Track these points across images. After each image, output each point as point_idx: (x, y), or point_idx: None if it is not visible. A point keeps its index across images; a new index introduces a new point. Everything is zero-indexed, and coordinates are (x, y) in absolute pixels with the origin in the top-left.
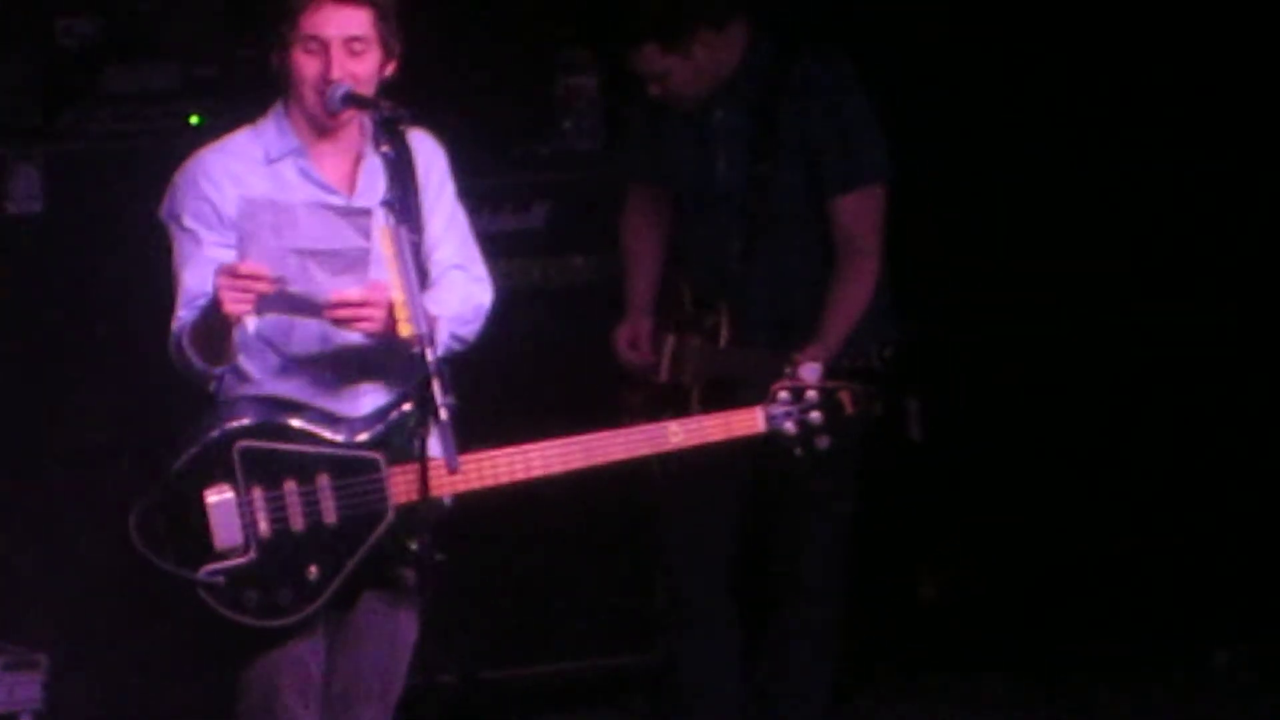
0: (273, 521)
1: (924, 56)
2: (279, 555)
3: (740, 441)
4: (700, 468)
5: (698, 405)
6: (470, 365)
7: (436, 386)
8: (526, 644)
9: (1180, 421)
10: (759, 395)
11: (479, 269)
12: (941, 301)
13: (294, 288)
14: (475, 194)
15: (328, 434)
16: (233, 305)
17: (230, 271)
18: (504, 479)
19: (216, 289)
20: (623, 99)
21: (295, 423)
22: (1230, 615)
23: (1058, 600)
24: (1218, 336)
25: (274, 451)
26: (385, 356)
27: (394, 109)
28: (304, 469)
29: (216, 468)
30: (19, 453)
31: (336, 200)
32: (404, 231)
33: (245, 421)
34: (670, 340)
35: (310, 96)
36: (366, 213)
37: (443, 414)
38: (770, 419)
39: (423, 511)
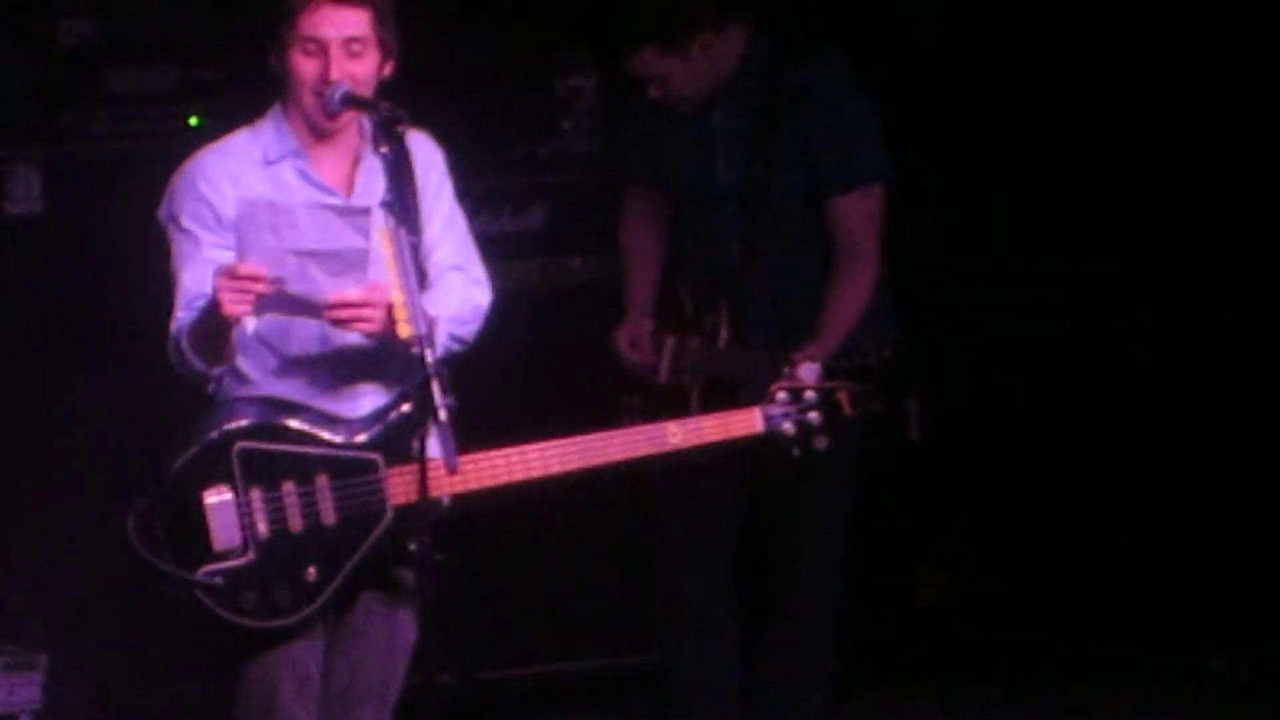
0: (271, 522)
1: (924, 57)
2: (278, 556)
3: (739, 442)
4: (699, 467)
5: (697, 406)
6: (469, 366)
7: (435, 387)
8: (525, 644)
9: (1180, 422)
10: (758, 396)
11: (477, 270)
12: (941, 301)
13: (293, 288)
14: (474, 195)
15: (326, 435)
16: (232, 306)
17: (229, 272)
18: (503, 480)
19: (216, 290)
20: (621, 100)
21: (294, 424)
22: (1229, 617)
23: (1057, 601)
24: (1218, 336)
25: (273, 452)
26: (384, 357)
27: (393, 110)
28: (303, 470)
29: (215, 469)
30: (18, 453)
31: (335, 201)
32: (403, 232)
33: (244, 423)
34: (670, 341)
35: (309, 98)
36: (366, 213)
37: (442, 415)
38: (768, 419)
39: (421, 512)
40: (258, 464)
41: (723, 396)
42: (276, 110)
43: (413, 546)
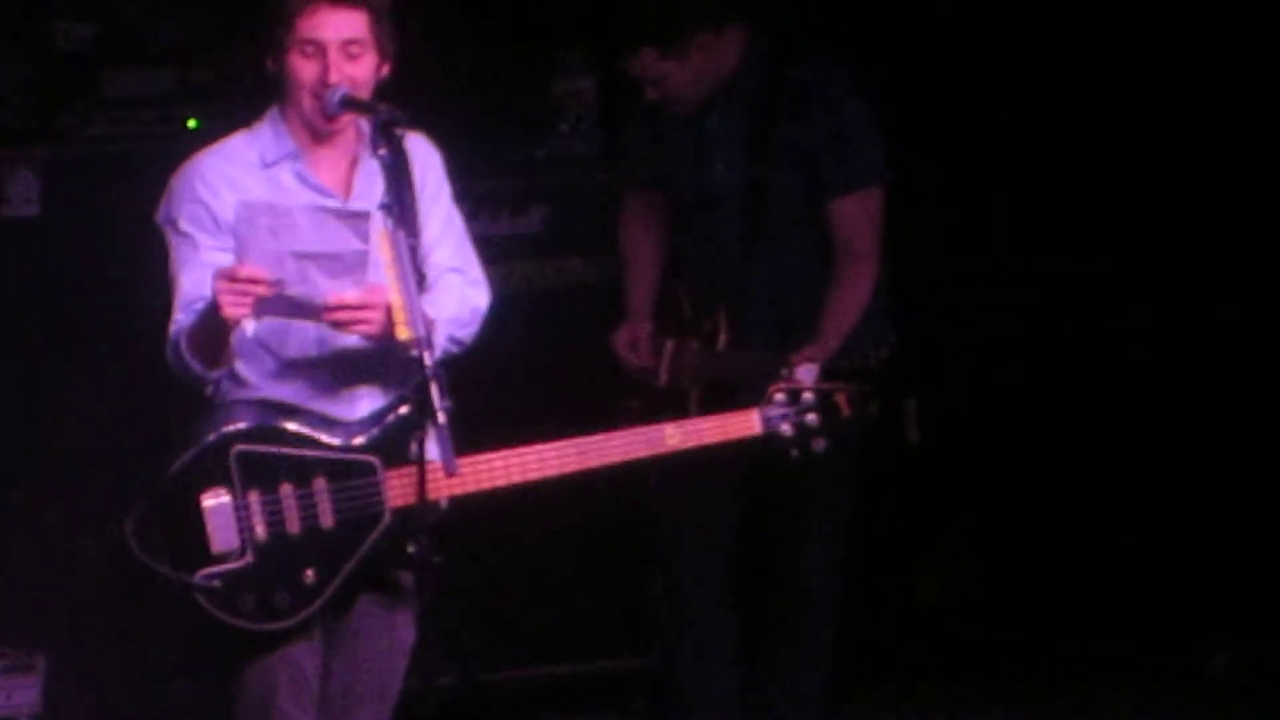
0: (269, 525)
1: (924, 57)
2: (276, 559)
3: (738, 443)
4: (699, 468)
5: (696, 408)
6: (468, 368)
7: (434, 389)
8: (524, 646)
9: (1179, 422)
10: (757, 398)
11: (475, 272)
12: (941, 302)
13: (292, 290)
14: (473, 197)
15: (324, 437)
16: (231, 308)
17: (229, 275)
18: (501, 482)
19: (215, 292)
20: (620, 102)
21: (292, 426)
22: (1229, 617)
23: (1057, 601)
24: (1218, 336)
25: (270, 455)
26: (382, 359)
27: (391, 112)
28: (301, 472)
29: (213, 471)
30: (16, 456)
31: (333, 203)
32: (401, 234)
33: (242, 425)
34: (669, 344)
35: (308, 101)
36: (365, 215)
37: (440, 417)
38: (766, 421)
39: (419, 514)
40: (255, 467)
41: (722, 398)
42: (274, 113)
43: (411, 549)
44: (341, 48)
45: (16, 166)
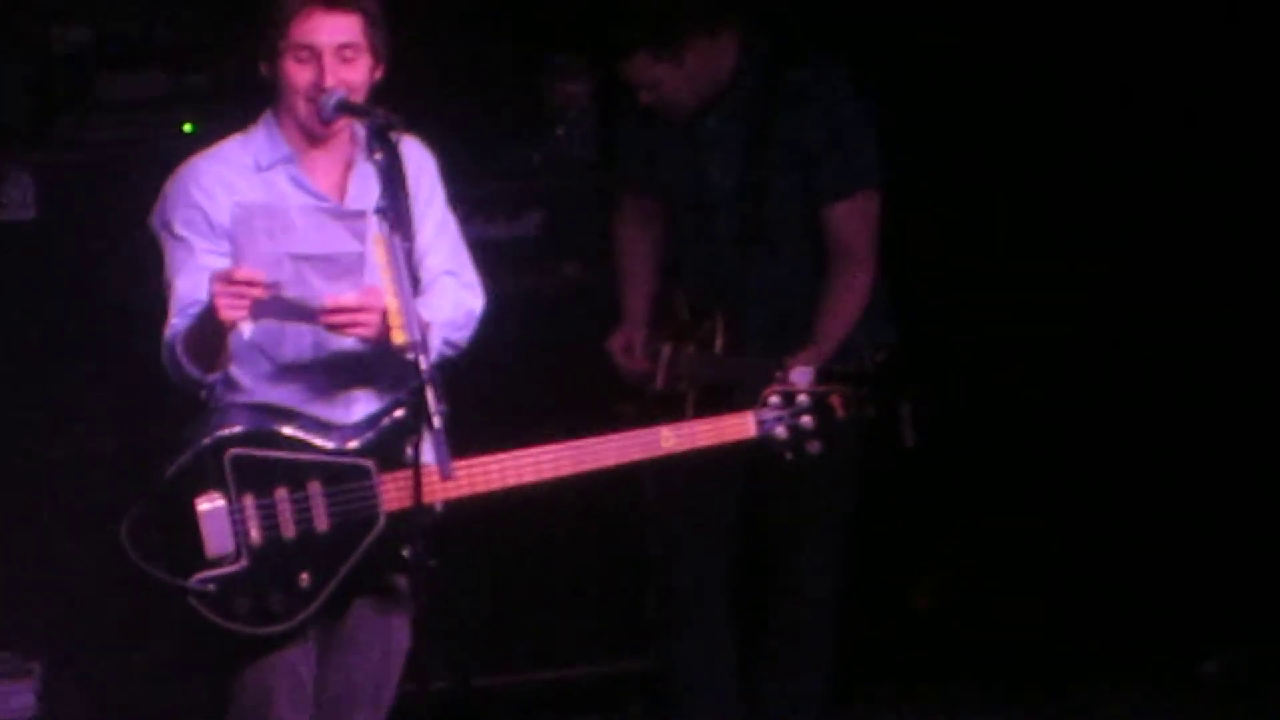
0: (264, 529)
1: (924, 58)
2: (270, 563)
3: (734, 445)
4: (696, 469)
5: (693, 412)
6: (463, 371)
7: (429, 393)
8: (520, 650)
9: (1179, 422)
10: (752, 400)
11: (470, 275)
12: (940, 302)
13: (289, 293)
14: (468, 201)
15: (319, 441)
16: (228, 311)
17: (225, 277)
18: (496, 485)
19: (212, 294)
20: (616, 106)
21: (287, 430)
22: (1227, 619)
23: (1057, 601)
24: (1218, 336)
25: (265, 459)
26: (377, 363)
27: (387, 116)
28: (295, 476)
29: (208, 475)
30: (12, 459)
31: (330, 205)
32: (396, 238)
33: (237, 429)
34: (666, 348)
35: (303, 105)
36: (362, 215)
37: (435, 421)
38: (761, 424)
39: (414, 518)
40: (250, 470)
41: (718, 401)
42: (269, 117)
43: (406, 552)
44: (336, 52)
45: (12, 170)
